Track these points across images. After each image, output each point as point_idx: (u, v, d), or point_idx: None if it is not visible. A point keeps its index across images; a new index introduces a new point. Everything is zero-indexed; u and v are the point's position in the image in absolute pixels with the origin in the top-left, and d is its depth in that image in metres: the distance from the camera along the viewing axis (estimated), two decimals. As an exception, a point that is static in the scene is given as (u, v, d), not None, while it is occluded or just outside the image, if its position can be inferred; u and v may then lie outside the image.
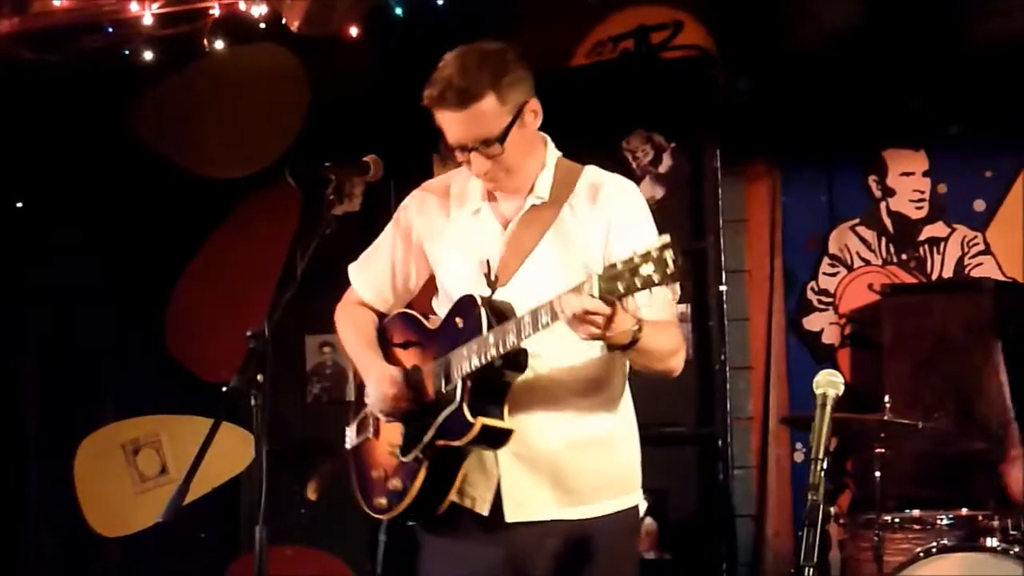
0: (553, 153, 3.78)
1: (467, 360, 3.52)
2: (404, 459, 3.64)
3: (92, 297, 7.38)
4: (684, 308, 6.54)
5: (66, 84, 6.89)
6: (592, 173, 3.77)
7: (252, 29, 6.53)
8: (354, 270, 3.99)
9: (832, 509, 5.68)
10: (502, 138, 3.58)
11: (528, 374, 3.56)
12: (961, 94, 6.36)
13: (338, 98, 6.88)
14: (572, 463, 3.66)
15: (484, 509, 3.66)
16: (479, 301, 3.57)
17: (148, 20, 6.42)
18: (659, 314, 3.56)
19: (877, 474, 5.49)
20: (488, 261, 3.67)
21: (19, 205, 7.48)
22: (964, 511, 5.50)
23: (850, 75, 6.45)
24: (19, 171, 7.29)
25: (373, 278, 3.94)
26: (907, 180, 6.64)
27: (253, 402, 3.25)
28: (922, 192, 6.62)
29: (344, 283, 6.33)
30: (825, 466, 3.24)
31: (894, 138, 6.60)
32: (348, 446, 3.92)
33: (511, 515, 3.64)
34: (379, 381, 3.70)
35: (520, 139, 3.63)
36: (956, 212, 6.56)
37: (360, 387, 3.88)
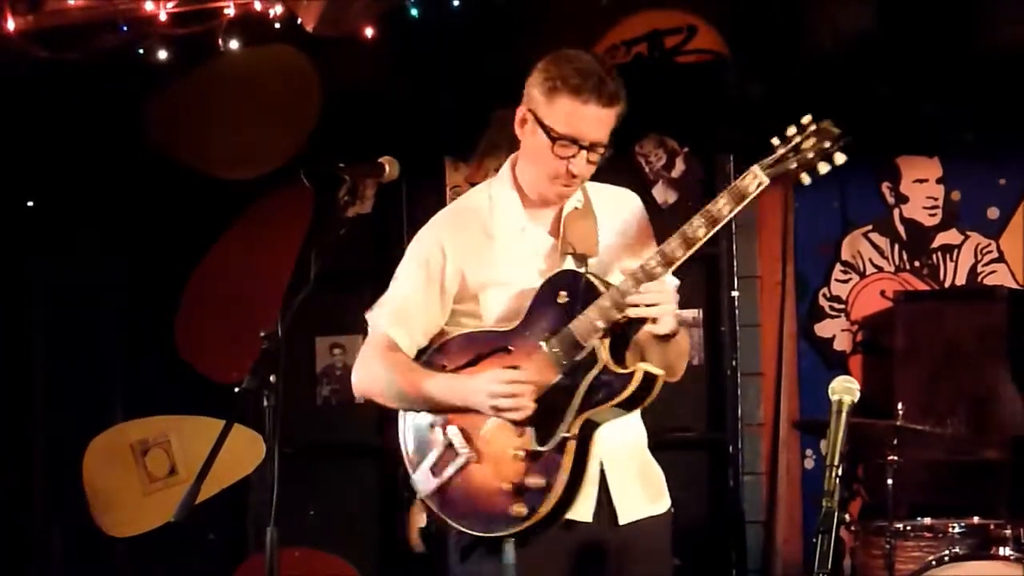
0: None
1: (596, 322, 3.53)
2: (545, 448, 3.56)
3: (102, 297, 7.37)
4: (696, 313, 6.54)
5: (79, 83, 6.88)
6: (596, 186, 3.85)
7: (267, 29, 6.52)
8: (386, 318, 3.81)
9: (845, 516, 5.66)
10: (607, 147, 3.66)
11: None
12: (975, 101, 6.34)
13: (351, 100, 6.87)
14: (648, 457, 3.79)
15: (587, 515, 3.65)
16: (582, 271, 3.61)
17: (163, 19, 6.42)
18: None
19: (889, 481, 5.48)
20: (572, 243, 3.70)
21: (30, 204, 7.47)
22: (976, 519, 5.48)
23: (864, 81, 6.43)
24: (30, 170, 7.29)
25: (411, 324, 3.80)
26: (920, 187, 6.62)
27: (266, 403, 3.24)
28: (935, 199, 6.61)
29: (355, 283, 6.35)
30: (840, 472, 3.23)
31: (908, 145, 6.59)
32: (426, 492, 3.72)
33: (624, 516, 3.68)
34: (501, 382, 3.60)
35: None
36: (969, 219, 6.55)
37: (420, 426, 3.77)
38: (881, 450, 5.52)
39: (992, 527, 5.41)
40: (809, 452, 6.68)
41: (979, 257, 6.53)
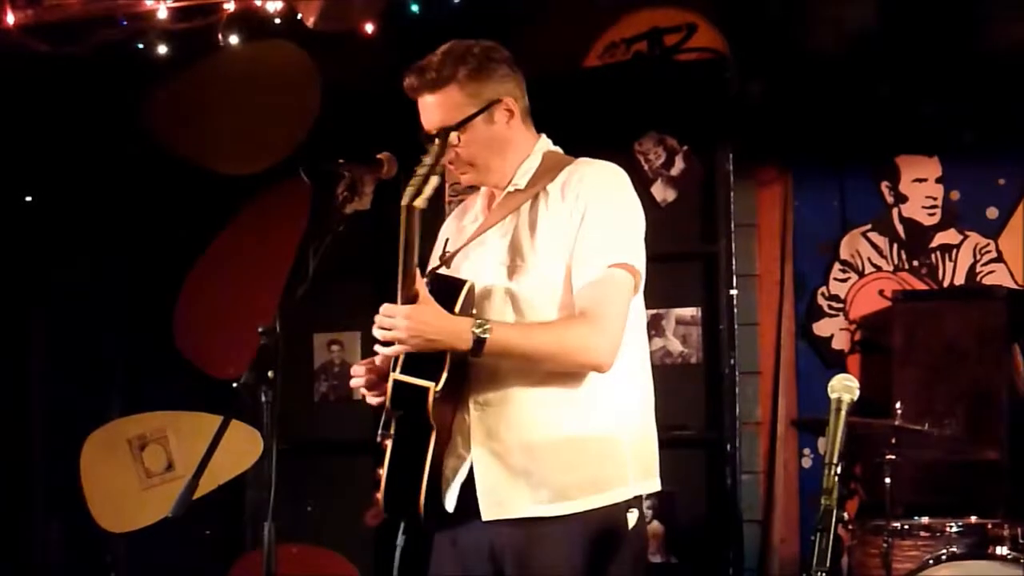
0: (543, 147, 3.81)
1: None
2: (381, 443, 3.63)
3: (101, 292, 7.37)
4: (694, 311, 6.53)
5: (79, 77, 6.88)
6: (580, 163, 3.76)
7: (267, 24, 6.52)
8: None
9: (843, 515, 5.67)
10: (457, 127, 3.65)
11: (497, 364, 3.56)
12: (975, 101, 6.34)
13: (351, 96, 6.86)
14: (545, 457, 3.58)
15: (450, 506, 3.61)
16: (435, 272, 3.70)
17: (163, 14, 6.42)
18: (591, 304, 3.56)
19: (887, 480, 5.48)
20: (448, 239, 3.78)
21: (28, 199, 7.47)
22: (973, 519, 5.48)
23: (864, 80, 6.43)
24: (29, 165, 7.28)
25: None
26: (920, 186, 6.62)
27: (264, 399, 3.24)
28: (935, 199, 6.60)
29: (354, 280, 6.34)
30: (839, 471, 3.22)
31: (907, 144, 6.59)
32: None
33: (488, 513, 3.59)
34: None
35: (485, 134, 3.69)
36: (969, 219, 6.55)
37: None
38: (879, 449, 5.52)
39: (990, 527, 5.41)
40: (807, 451, 6.68)
41: (978, 257, 6.53)
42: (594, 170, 3.71)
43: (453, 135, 3.64)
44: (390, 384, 3.52)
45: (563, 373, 3.58)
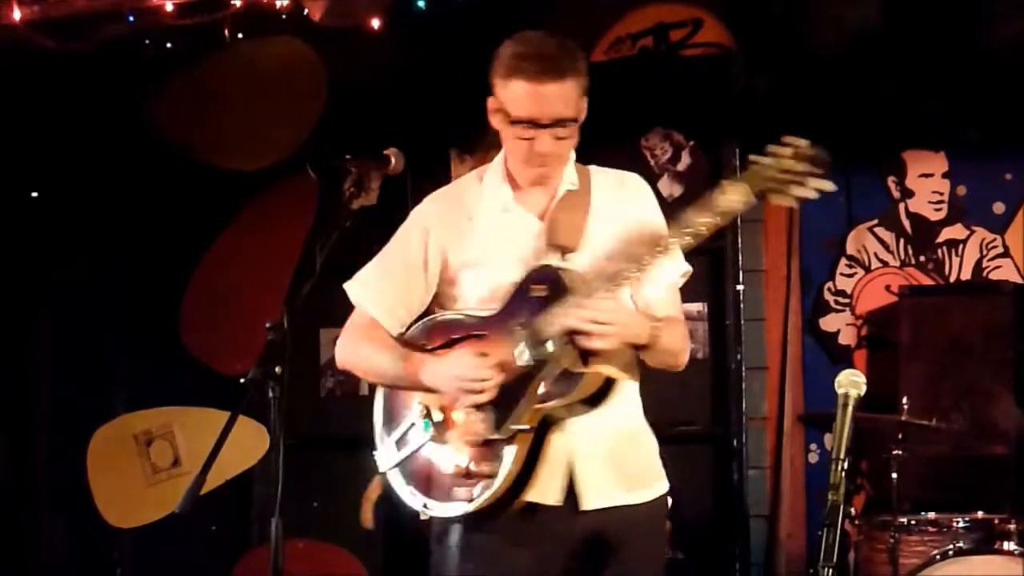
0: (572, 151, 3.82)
1: (557, 319, 3.51)
2: (495, 437, 3.58)
3: (107, 288, 7.37)
4: (701, 307, 6.54)
5: (85, 73, 6.88)
6: (600, 170, 3.85)
7: (273, 20, 6.53)
8: (364, 293, 3.85)
9: (850, 510, 5.67)
10: (575, 120, 3.63)
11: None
12: (981, 96, 6.33)
13: (357, 92, 6.87)
14: (626, 449, 3.72)
15: (556, 499, 3.64)
16: (559, 266, 3.61)
17: (169, 9, 6.42)
18: (673, 309, 3.73)
19: (894, 476, 5.48)
20: (556, 232, 3.69)
21: (34, 194, 7.48)
22: (980, 514, 5.49)
23: (870, 75, 6.43)
24: (35, 161, 7.29)
25: (389, 300, 3.82)
26: (926, 182, 6.62)
27: (271, 394, 3.24)
28: (941, 194, 6.60)
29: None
30: (846, 466, 3.23)
31: (914, 139, 6.58)
32: (389, 466, 3.78)
33: (588, 502, 3.65)
34: (467, 366, 3.62)
35: (576, 130, 3.67)
36: (975, 214, 6.55)
37: (389, 404, 3.83)
38: (885, 444, 5.53)
39: (996, 522, 5.42)
40: (813, 446, 6.68)
41: (984, 252, 6.52)
42: (636, 179, 3.83)
43: (567, 129, 3.62)
44: (591, 381, 3.55)
45: (631, 371, 3.71)
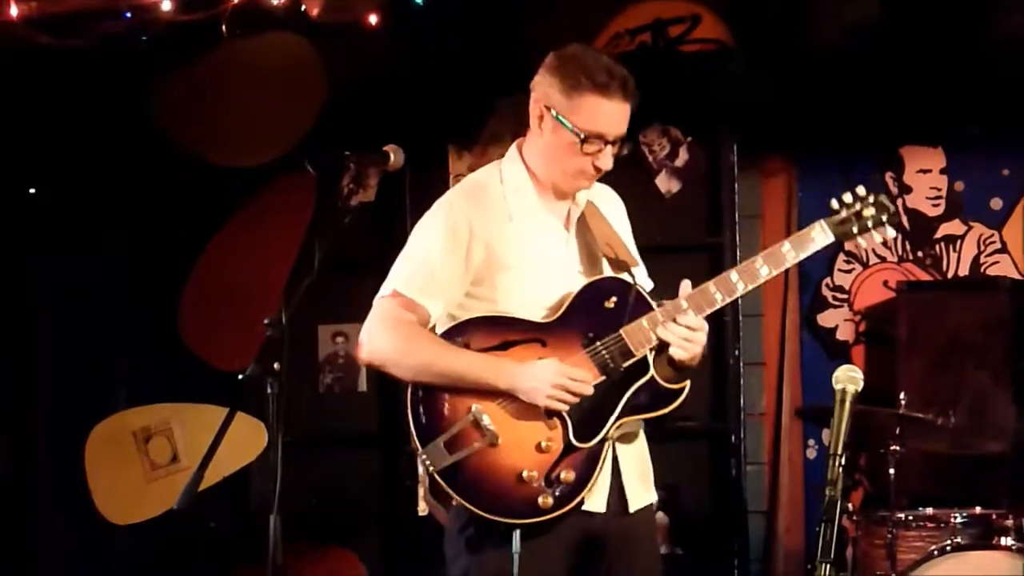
0: None
1: (650, 333, 3.65)
2: (585, 445, 3.61)
3: (106, 284, 7.37)
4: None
5: (83, 70, 6.88)
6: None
7: (271, 16, 6.52)
8: (416, 287, 3.73)
9: (848, 505, 5.67)
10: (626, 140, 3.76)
11: None
12: (979, 92, 6.33)
13: (355, 87, 6.86)
14: (645, 451, 3.86)
15: (600, 506, 3.70)
16: (632, 282, 3.71)
17: (167, 6, 6.41)
18: None
19: (892, 471, 5.49)
20: (609, 246, 3.78)
21: (32, 191, 7.47)
22: (978, 510, 5.50)
23: (868, 71, 6.42)
24: (33, 158, 7.28)
25: (440, 294, 3.75)
26: (924, 177, 6.62)
27: (269, 390, 3.24)
28: (939, 190, 6.61)
29: (359, 272, 6.34)
30: (843, 462, 3.23)
31: (912, 135, 6.59)
32: (440, 466, 3.64)
33: (634, 505, 3.77)
34: (559, 375, 3.62)
35: None
36: (973, 210, 6.56)
37: (431, 401, 3.71)
38: (883, 440, 5.54)
39: (994, 517, 5.42)
40: (811, 442, 6.69)
41: (982, 248, 6.53)
42: (616, 195, 3.98)
43: (620, 147, 3.74)
44: (686, 392, 3.70)
45: None
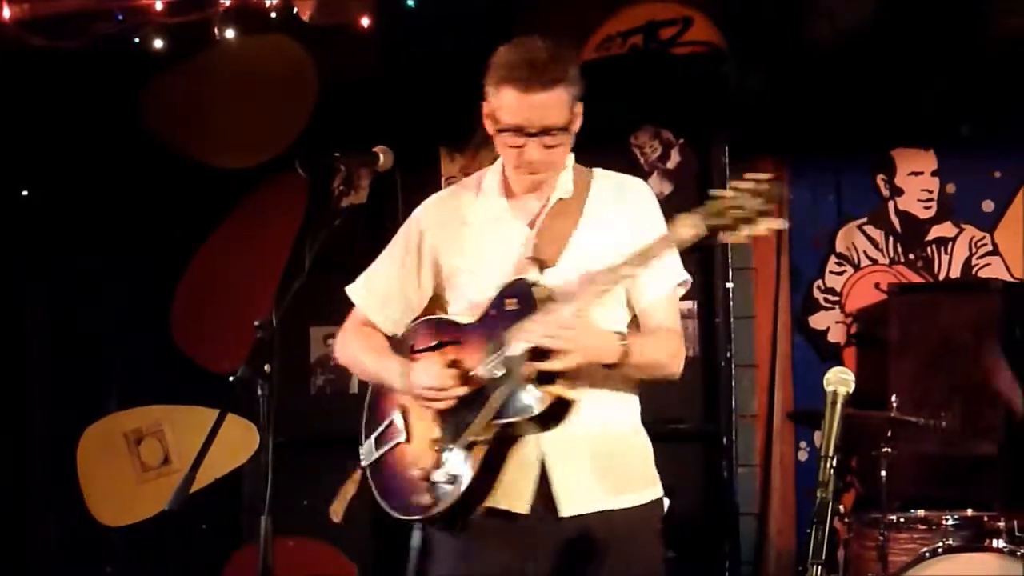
0: (571, 155, 3.79)
1: (522, 335, 3.50)
2: (455, 447, 3.59)
3: (98, 286, 7.36)
4: (690, 305, 6.54)
5: (75, 71, 6.87)
6: (604, 174, 3.81)
7: (263, 18, 6.52)
8: (361, 294, 3.91)
9: (839, 507, 5.68)
10: (566, 128, 3.61)
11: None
12: (971, 94, 6.34)
13: (347, 89, 6.86)
14: (612, 452, 3.68)
15: (525, 507, 3.61)
16: (531, 282, 3.59)
17: (158, 7, 6.41)
18: (667, 319, 3.70)
19: (883, 473, 5.49)
20: (535, 245, 3.67)
21: (24, 193, 7.46)
22: (970, 512, 5.49)
23: (860, 74, 6.44)
24: (26, 160, 7.28)
25: (383, 300, 3.87)
26: (915, 180, 6.63)
27: (260, 392, 3.24)
28: (930, 192, 6.62)
29: (349, 274, 6.32)
30: (835, 464, 3.23)
31: (903, 137, 6.60)
32: (367, 461, 3.82)
33: (566, 509, 3.61)
34: (429, 374, 3.63)
35: (568, 137, 3.65)
36: (964, 212, 6.56)
37: (374, 401, 3.85)
38: (875, 442, 5.54)
39: (986, 519, 5.42)
40: (803, 444, 6.70)
41: (973, 250, 6.54)
42: (638, 185, 3.81)
43: (558, 136, 3.59)
44: (548, 401, 3.50)
45: (619, 375, 3.66)
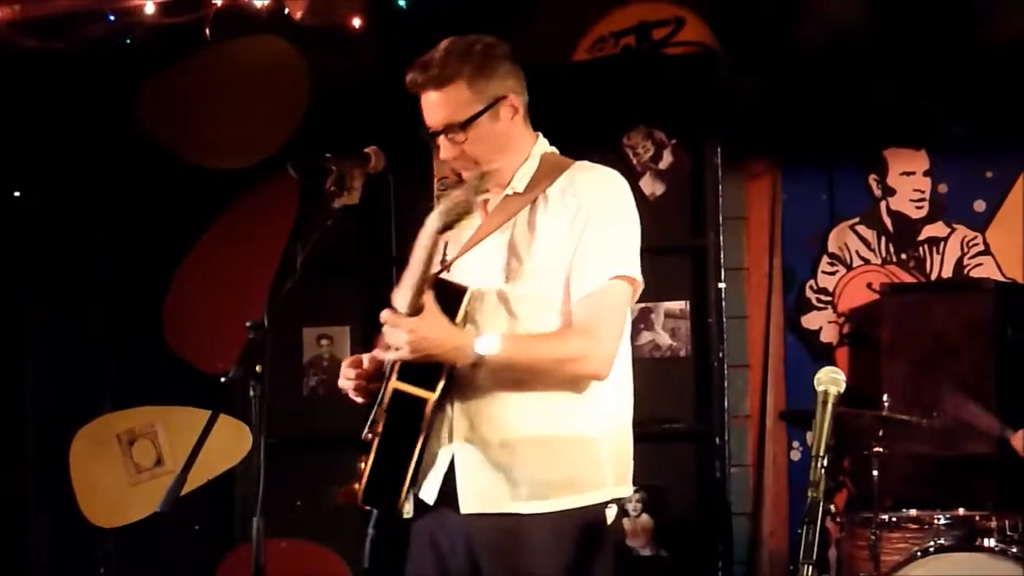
0: (542, 148, 3.77)
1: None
2: (364, 437, 3.65)
3: (90, 287, 7.35)
4: (683, 305, 6.54)
5: (66, 72, 6.87)
6: (579, 167, 3.74)
7: (255, 19, 6.52)
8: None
9: (830, 507, 5.68)
10: (465, 125, 3.62)
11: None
12: (963, 94, 6.35)
13: (339, 90, 6.86)
14: (531, 455, 3.59)
15: (428, 497, 3.64)
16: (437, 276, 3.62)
17: (150, 9, 6.41)
18: (588, 318, 3.58)
19: (875, 473, 5.49)
20: (446, 244, 3.69)
21: (16, 194, 7.45)
22: (961, 511, 5.50)
23: (852, 74, 6.44)
24: (18, 161, 7.27)
25: None
26: (908, 179, 6.63)
27: (252, 393, 3.24)
28: (922, 192, 6.62)
29: (341, 275, 6.34)
30: (825, 463, 3.23)
31: (895, 137, 6.60)
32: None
33: (466, 506, 3.60)
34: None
35: (490, 132, 3.65)
36: (956, 212, 6.57)
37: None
38: (867, 442, 5.54)
39: (977, 519, 5.43)
40: (796, 444, 6.70)
41: (966, 250, 6.54)
42: (595, 177, 3.71)
43: (460, 133, 3.63)
44: (388, 390, 3.56)
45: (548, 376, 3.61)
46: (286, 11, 6.39)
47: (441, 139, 3.66)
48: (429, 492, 3.64)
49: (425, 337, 3.48)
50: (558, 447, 3.61)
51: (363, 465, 3.65)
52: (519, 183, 3.71)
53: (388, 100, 6.68)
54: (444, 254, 3.71)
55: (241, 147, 7.13)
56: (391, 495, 3.61)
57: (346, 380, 3.73)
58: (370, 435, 3.63)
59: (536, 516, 3.57)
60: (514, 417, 3.60)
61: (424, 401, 3.54)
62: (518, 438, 3.59)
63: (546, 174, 3.71)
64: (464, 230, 3.70)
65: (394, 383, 3.55)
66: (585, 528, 3.61)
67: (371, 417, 3.63)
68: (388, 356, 3.56)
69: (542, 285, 3.61)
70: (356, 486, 3.65)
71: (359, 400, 3.73)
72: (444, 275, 3.66)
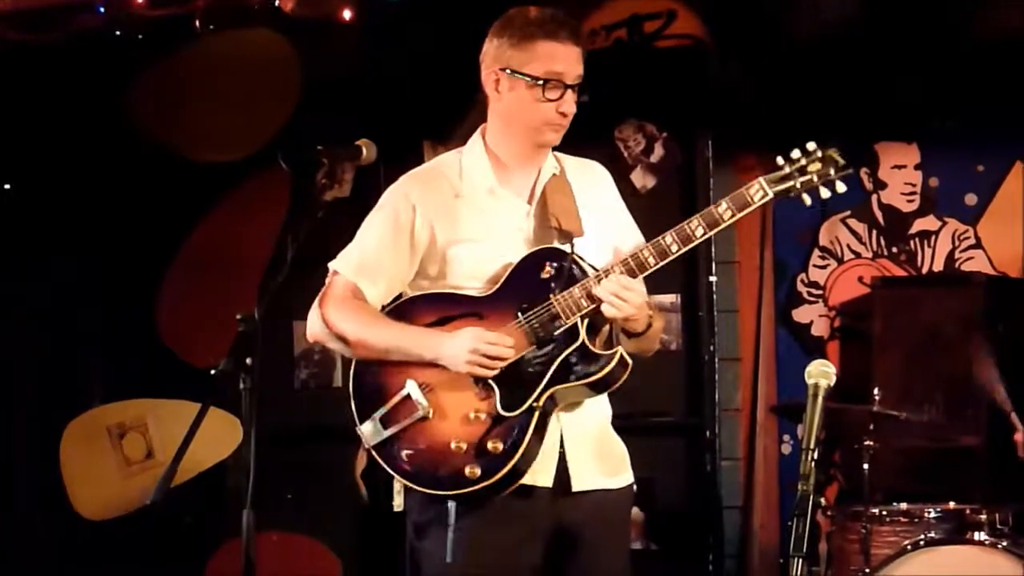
0: None
1: (581, 300, 3.60)
2: (510, 414, 3.60)
3: (82, 280, 7.34)
4: (674, 298, 6.55)
5: (57, 65, 6.85)
6: (565, 157, 3.92)
7: (246, 12, 6.51)
8: (353, 265, 3.85)
9: (821, 500, 5.68)
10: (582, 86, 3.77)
11: None
12: (954, 88, 6.35)
13: (330, 83, 6.85)
14: (606, 434, 3.83)
15: (548, 481, 3.68)
16: (568, 250, 3.68)
17: (140, 1, 6.40)
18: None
19: (866, 466, 5.50)
20: (557, 217, 3.73)
21: (7, 187, 7.44)
22: (952, 505, 5.50)
23: (843, 67, 6.44)
24: (7, 154, 7.25)
25: (375, 273, 3.82)
26: (899, 173, 6.64)
27: (242, 386, 3.23)
28: (914, 185, 6.62)
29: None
30: (816, 456, 3.24)
31: (886, 131, 6.60)
32: (375, 441, 3.74)
33: (577, 485, 3.70)
34: (481, 342, 3.62)
35: None
36: (947, 206, 6.57)
37: (372, 380, 3.79)
38: (858, 435, 5.54)
39: (968, 512, 5.43)
40: (786, 437, 6.70)
41: (957, 243, 6.55)
42: (600, 167, 3.97)
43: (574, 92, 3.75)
44: (616, 358, 3.60)
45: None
46: (276, 3, 6.38)
47: (568, 92, 3.71)
48: (544, 474, 3.68)
49: (648, 299, 3.65)
50: (610, 430, 3.86)
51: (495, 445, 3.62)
52: (554, 164, 3.86)
53: (380, 92, 6.75)
54: (559, 225, 3.77)
55: (232, 140, 7.12)
56: (524, 472, 3.64)
57: (505, 349, 3.63)
58: (525, 408, 3.63)
59: (614, 491, 3.81)
60: (592, 404, 3.76)
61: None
62: (601, 417, 3.82)
63: (557, 159, 3.90)
64: (514, 215, 3.78)
65: (619, 348, 3.63)
66: (631, 502, 3.94)
67: (535, 394, 3.61)
68: (614, 313, 3.57)
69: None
70: (475, 470, 3.61)
71: (491, 374, 3.64)
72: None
